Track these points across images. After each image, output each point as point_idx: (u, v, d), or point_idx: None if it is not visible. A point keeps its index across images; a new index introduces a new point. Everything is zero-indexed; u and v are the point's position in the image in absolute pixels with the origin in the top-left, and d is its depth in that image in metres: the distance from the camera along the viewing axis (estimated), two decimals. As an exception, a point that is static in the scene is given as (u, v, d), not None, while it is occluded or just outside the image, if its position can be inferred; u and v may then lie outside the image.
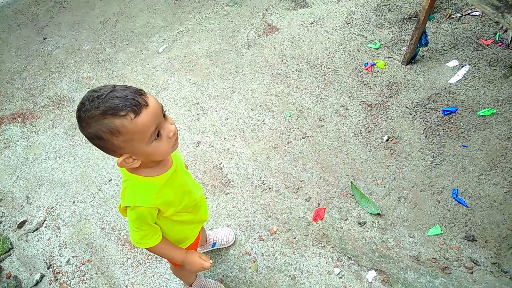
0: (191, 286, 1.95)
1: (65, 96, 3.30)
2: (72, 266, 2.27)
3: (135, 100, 1.05)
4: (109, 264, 2.24)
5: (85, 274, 2.23)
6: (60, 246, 2.38)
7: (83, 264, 2.27)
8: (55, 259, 2.32)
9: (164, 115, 1.15)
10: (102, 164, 2.72)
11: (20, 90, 3.43)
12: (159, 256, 1.51)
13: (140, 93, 1.08)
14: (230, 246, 2.19)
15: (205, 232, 2.08)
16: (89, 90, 1.09)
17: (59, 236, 2.42)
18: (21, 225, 2.52)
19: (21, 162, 2.86)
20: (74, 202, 2.56)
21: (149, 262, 2.20)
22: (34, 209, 2.58)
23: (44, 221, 2.51)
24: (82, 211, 2.51)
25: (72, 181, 2.68)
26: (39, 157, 2.87)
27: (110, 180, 2.62)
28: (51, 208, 2.56)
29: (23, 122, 3.15)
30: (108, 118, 1.03)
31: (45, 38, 3.91)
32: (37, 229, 2.48)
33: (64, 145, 2.90)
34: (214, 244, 2.14)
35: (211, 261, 1.53)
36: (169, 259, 1.52)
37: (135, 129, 1.06)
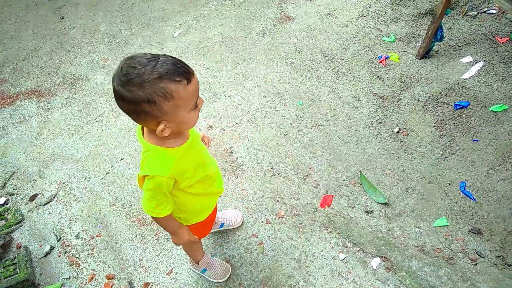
0: (198, 263, 1.99)
1: (80, 75, 3.34)
2: (82, 240, 2.32)
3: (186, 68, 1.10)
4: (118, 239, 2.29)
5: (93, 248, 2.28)
6: (70, 220, 2.42)
7: (92, 239, 2.32)
8: (65, 232, 2.37)
9: None
10: (115, 143, 2.76)
11: (36, 68, 3.48)
12: (161, 227, 1.56)
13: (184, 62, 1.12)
14: (237, 227, 2.22)
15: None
16: (126, 57, 1.10)
17: (70, 211, 2.46)
18: (32, 198, 2.57)
19: (35, 138, 2.91)
20: (85, 178, 2.61)
21: (157, 239, 2.24)
22: (46, 183, 2.62)
23: (56, 195, 2.55)
24: (93, 187, 2.55)
25: (84, 158, 2.72)
26: (52, 133, 2.92)
27: (122, 159, 2.66)
28: (63, 183, 2.61)
29: (38, 99, 3.20)
30: (164, 82, 1.06)
31: (62, 18, 3.95)
32: (48, 202, 2.53)
33: (77, 123, 2.95)
34: (222, 224, 2.17)
35: (195, 237, 1.62)
36: (164, 228, 1.56)
37: (185, 95, 1.11)
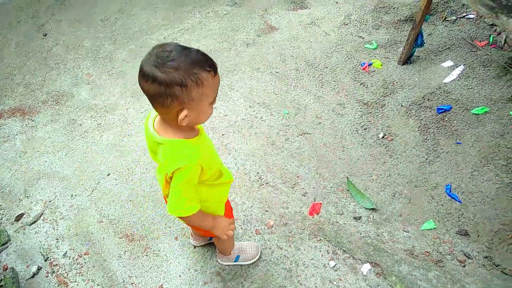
0: (230, 254, 2.02)
1: (64, 91, 3.32)
2: (69, 259, 2.29)
3: (213, 61, 1.18)
4: (106, 256, 2.26)
5: (82, 266, 2.24)
6: (57, 239, 2.39)
7: (80, 257, 2.28)
8: (52, 252, 2.33)
9: None
10: (100, 158, 2.74)
11: (19, 86, 3.45)
12: (194, 225, 1.55)
13: None
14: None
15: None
16: (158, 44, 1.15)
17: (57, 229, 2.43)
18: (18, 218, 2.53)
19: (20, 156, 2.87)
20: (72, 195, 2.58)
21: (146, 255, 2.22)
22: (32, 203, 2.59)
23: (42, 214, 2.52)
24: (80, 204, 2.52)
25: (70, 175, 2.69)
26: (37, 151, 2.89)
27: (108, 175, 2.64)
28: (49, 201, 2.58)
29: (22, 117, 3.17)
30: (197, 69, 1.12)
31: (45, 35, 3.93)
32: (34, 222, 2.49)
33: (62, 140, 2.92)
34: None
35: (233, 220, 1.70)
36: (202, 226, 1.54)
37: (212, 86, 1.18)
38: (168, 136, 1.27)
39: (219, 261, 2.11)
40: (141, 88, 1.18)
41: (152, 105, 1.21)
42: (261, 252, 2.12)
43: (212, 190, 1.51)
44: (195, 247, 2.20)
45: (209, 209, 1.56)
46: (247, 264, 2.09)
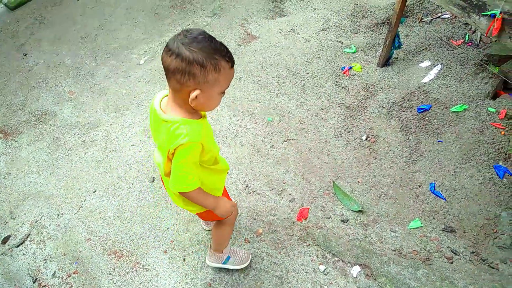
0: (222, 252, 2.03)
1: (47, 110, 3.30)
2: (58, 279, 2.26)
3: (232, 56, 1.30)
4: (95, 274, 2.24)
5: (71, 286, 2.22)
6: (45, 259, 2.36)
7: (69, 276, 2.26)
8: (41, 273, 2.31)
9: None
10: (86, 175, 2.72)
11: (1, 106, 3.42)
12: (197, 203, 1.56)
13: None
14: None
15: None
16: (186, 29, 1.25)
17: (44, 250, 2.40)
18: (5, 240, 2.50)
19: (4, 178, 2.84)
20: (58, 215, 2.56)
21: (136, 271, 2.21)
22: (18, 224, 2.56)
23: (29, 235, 2.49)
24: (67, 223, 2.50)
25: (56, 194, 2.67)
26: (22, 171, 2.86)
27: (94, 191, 2.63)
28: (35, 222, 2.55)
29: (5, 138, 3.14)
30: (217, 56, 1.23)
31: (26, 54, 3.91)
32: (21, 243, 2.46)
33: (47, 159, 2.90)
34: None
35: (235, 202, 1.74)
36: (204, 205, 1.58)
37: (226, 75, 1.29)
38: (174, 115, 1.34)
39: (208, 262, 2.07)
40: (163, 63, 1.26)
41: (168, 80, 1.29)
42: (251, 260, 2.12)
43: (209, 175, 1.57)
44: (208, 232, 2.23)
45: None
46: (236, 269, 2.08)
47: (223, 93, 1.35)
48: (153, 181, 2.59)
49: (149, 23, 3.98)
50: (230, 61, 1.28)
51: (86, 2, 4.42)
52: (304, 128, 2.74)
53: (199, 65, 1.21)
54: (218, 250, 2.04)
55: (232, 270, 2.11)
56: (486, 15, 2.11)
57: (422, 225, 2.17)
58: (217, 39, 1.26)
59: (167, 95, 1.40)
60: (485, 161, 2.35)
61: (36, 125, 3.20)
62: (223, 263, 2.07)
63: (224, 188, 1.79)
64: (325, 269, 2.06)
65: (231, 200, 1.83)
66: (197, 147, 1.34)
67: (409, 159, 2.45)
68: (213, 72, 1.24)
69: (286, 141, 2.68)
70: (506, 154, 2.36)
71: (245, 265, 2.10)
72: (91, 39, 3.95)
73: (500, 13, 2.01)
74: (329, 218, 2.27)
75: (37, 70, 3.72)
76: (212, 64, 1.22)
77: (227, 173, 1.91)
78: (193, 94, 1.26)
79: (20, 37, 4.16)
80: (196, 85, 1.25)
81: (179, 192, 1.43)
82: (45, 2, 4.53)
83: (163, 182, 1.70)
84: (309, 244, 2.17)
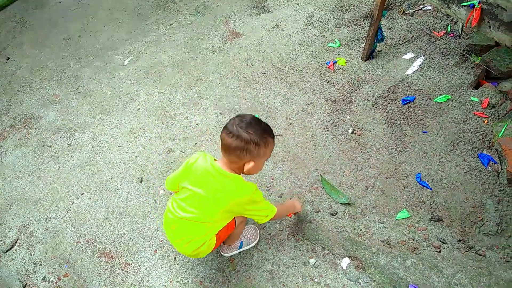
0: (234, 243, 2.13)
1: (32, 114, 3.26)
2: (49, 283, 2.24)
3: (273, 132, 1.72)
4: (86, 277, 2.22)
5: (62, 289, 2.21)
6: (35, 263, 2.34)
7: (60, 280, 2.24)
8: (31, 277, 2.29)
9: None
10: (73, 178, 2.70)
11: (-16, 112, 3.38)
12: (280, 217, 2.14)
13: None
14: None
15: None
16: (239, 115, 1.69)
17: (33, 254, 2.38)
18: (-7, 246, 2.47)
19: (-10, 184, 2.81)
20: (46, 218, 2.53)
21: (127, 271, 2.20)
22: (6, 229, 2.53)
23: (17, 240, 2.47)
24: (56, 226, 2.48)
25: (43, 198, 2.64)
26: (8, 176, 2.83)
27: (82, 194, 2.61)
28: (24, 226, 2.52)
29: (-10, 144, 3.10)
30: (266, 135, 1.66)
31: (8, 59, 3.86)
32: (10, 248, 2.44)
33: (33, 163, 2.87)
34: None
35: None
36: (285, 213, 2.09)
37: (271, 148, 1.73)
38: (235, 172, 1.73)
39: (224, 254, 2.15)
40: (224, 142, 1.64)
41: (228, 155, 1.67)
42: (260, 234, 2.22)
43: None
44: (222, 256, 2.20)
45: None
46: (250, 248, 2.18)
47: (267, 159, 1.77)
48: (141, 181, 2.58)
49: (132, 23, 3.96)
50: (273, 137, 1.71)
51: (67, 5, 4.37)
52: (291, 124, 2.75)
53: (254, 143, 1.60)
54: (234, 239, 2.12)
55: (223, 267, 2.12)
56: (465, 5, 2.14)
57: (409, 215, 2.19)
58: (264, 121, 1.70)
59: (215, 160, 1.77)
60: (469, 150, 2.38)
61: (21, 130, 3.16)
62: (239, 248, 2.16)
63: None
64: (315, 262, 2.07)
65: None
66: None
67: (395, 150, 2.48)
68: (264, 147, 1.65)
69: (273, 137, 2.69)
70: (490, 142, 2.39)
71: (257, 240, 2.20)
72: (74, 41, 3.91)
73: (479, 3, 2.04)
74: (318, 212, 2.28)
75: (21, 74, 3.68)
76: (263, 142, 1.63)
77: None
78: (249, 166, 1.66)
79: (1, 41, 4.10)
80: (251, 158, 1.65)
81: (270, 219, 1.83)
82: (26, 6, 4.47)
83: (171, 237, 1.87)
84: (299, 239, 2.18)
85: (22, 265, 2.35)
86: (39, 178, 2.77)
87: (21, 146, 3.03)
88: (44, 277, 2.27)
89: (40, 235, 2.46)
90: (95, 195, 2.58)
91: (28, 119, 3.23)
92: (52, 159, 2.86)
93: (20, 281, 2.27)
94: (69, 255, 2.33)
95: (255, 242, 2.18)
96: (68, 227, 2.46)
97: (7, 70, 3.76)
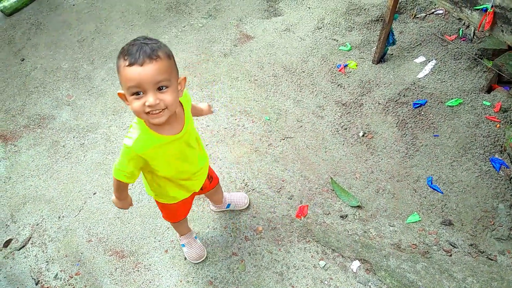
0: (180, 238, 2.19)
1: (46, 114, 3.31)
2: (61, 281, 2.28)
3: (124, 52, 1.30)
4: (97, 275, 2.25)
5: (74, 287, 2.24)
6: (47, 261, 2.38)
7: (72, 278, 2.28)
8: (43, 275, 2.32)
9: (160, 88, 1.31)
10: (86, 178, 2.74)
11: (0, 112, 3.44)
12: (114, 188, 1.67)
13: (155, 52, 1.29)
14: (243, 209, 2.38)
15: (222, 194, 2.26)
16: (132, 41, 1.33)
17: (46, 252, 2.42)
18: (6, 244, 2.51)
19: (4, 182, 2.86)
20: (59, 217, 2.57)
21: (138, 270, 2.22)
22: (19, 227, 2.57)
23: (30, 238, 2.51)
24: (68, 225, 2.51)
25: (56, 197, 2.68)
26: (22, 175, 2.87)
27: (94, 193, 2.64)
28: (37, 224, 2.56)
29: (4, 143, 3.15)
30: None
31: (23, 60, 3.93)
32: (23, 246, 2.48)
33: (46, 162, 2.91)
34: (229, 205, 2.34)
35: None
36: (114, 191, 1.64)
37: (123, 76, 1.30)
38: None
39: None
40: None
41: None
42: (202, 261, 2.20)
43: (156, 180, 1.64)
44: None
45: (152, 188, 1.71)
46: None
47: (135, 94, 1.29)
48: (152, 182, 2.61)
49: (145, 25, 4.00)
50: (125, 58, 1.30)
51: (81, 7, 4.43)
52: (301, 126, 2.76)
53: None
54: (178, 233, 2.20)
55: (233, 268, 2.13)
56: (478, 9, 2.14)
57: (420, 219, 2.19)
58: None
59: None
60: (481, 154, 2.37)
61: (35, 129, 3.21)
62: (181, 246, 2.22)
63: (188, 202, 1.90)
64: (325, 264, 2.08)
65: (175, 216, 1.97)
66: (135, 157, 1.41)
67: (406, 154, 2.47)
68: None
69: (283, 139, 2.70)
70: (501, 146, 2.38)
71: (194, 262, 2.19)
72: (88, 43, 3.97)
73: (492, 7, 2.04)
74: (328, 214, 2.29)
75: (35, 75, 3.74)
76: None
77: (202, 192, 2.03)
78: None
79: (17, 43, 4.17)
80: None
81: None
82: (40, 8, 4.54)
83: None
84: (309, 241, 2.18)
85: (35, 262, 2.39)
86: (52, 177, 2.81)
87: (35, 145, 3.08)
88: (56, 275, 2.30)
89: (52, 233, 2.50)
90: (107, 195, 2.61)
91: (42, 119, 3.28)
92: (65, 158, 2.90)
93: (32, 279, 2.31)
94: (81, 253, 2.36)
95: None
96: (80, 226, 2.49)
97: (22, 71, 3.82)
